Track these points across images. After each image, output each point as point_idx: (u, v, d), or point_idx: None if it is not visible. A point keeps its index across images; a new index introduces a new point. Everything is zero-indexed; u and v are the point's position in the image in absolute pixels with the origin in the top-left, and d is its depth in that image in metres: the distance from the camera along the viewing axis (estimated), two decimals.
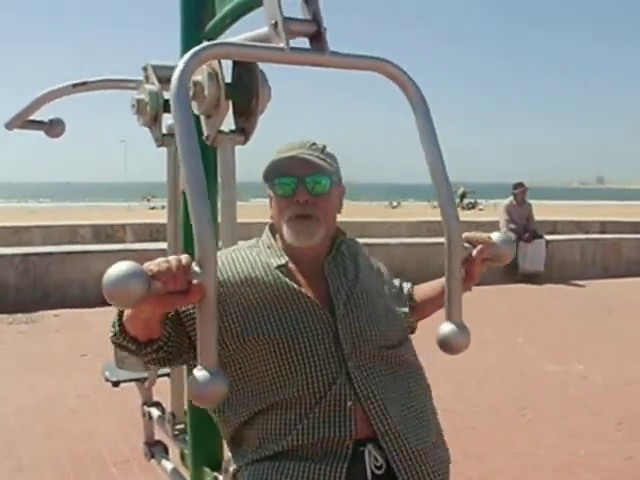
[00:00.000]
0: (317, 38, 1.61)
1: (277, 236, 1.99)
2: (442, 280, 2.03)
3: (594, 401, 5.49)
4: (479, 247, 1.84)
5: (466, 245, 1.83)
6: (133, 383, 3.40)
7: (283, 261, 1.91)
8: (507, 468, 4.19)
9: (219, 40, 2.12)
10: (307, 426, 1.78)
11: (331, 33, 1.58)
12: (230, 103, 2.33)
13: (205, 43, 1.53)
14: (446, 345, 1.70)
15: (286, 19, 1.57)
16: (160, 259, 1.41)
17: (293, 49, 1.55)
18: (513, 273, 11.47)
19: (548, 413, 5.20)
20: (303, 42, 1.65)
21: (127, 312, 1.64)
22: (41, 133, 3.23)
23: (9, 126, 3.16)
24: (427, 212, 25.81)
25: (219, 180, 2.43)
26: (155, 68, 2.69)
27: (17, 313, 8.37)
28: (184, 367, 2.72)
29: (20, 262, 9.07)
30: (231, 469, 1.95)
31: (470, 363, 6.20)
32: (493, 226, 14.13)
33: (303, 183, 1.87)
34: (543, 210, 18.70)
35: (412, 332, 2.18)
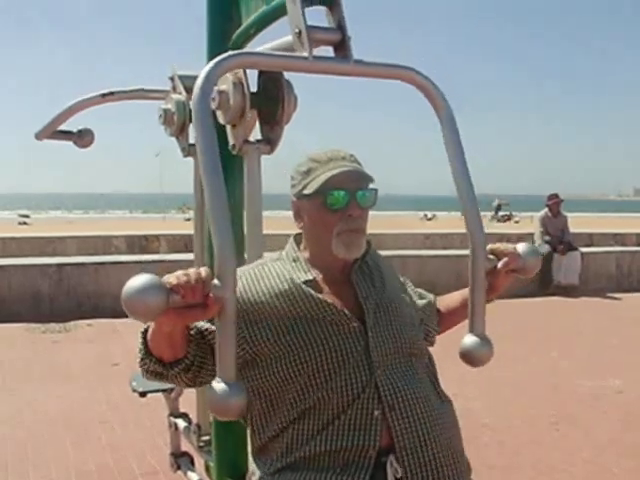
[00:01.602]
0: (341, 47, 1.60)
1: (301, 247, 1.98)
2: (465, 291, 2.02)
3: (630, 417, 5.38)
4: (504, 260, 1.83)
5: (491, 257, 1.82)
6: (160, 394, 3.40)
7: (310, 276, 1.90)
8: None
9: (244, 50, 2.12)
10: (332, 432, 1.77)
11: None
12: (255, 112, 2.32)
13: (228, 53, 1.51)
14: (468, 357, 1.70)
15: (310, 27, 1.55)
16: (179, 272, 1.41)
17: (317, 58, 1.54)
18: (548, 286, 11.33)
19: (582, 428, 5.10)
20: (327, 50, 1.64)
21: (150, 331, 1.67)
22: (70, 143, 3.26)
23: (39, 136, 3.18)
24: (461, 224, 25.71)
25: (245, 190, 2.41)
26: (182, 78, 2.70)
27: (51, 322, 8.44)
28: None
29: (54, 272, 9.16)
30: (254, 479, 1.93)
31: (503, 376, 6.13)
32: (526, 239, 14.00)
33: (354, 197, 1.86)
34: (579, 222, 18.51)
35: (432, 345, 2.18)
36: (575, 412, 5.47)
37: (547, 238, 11.88)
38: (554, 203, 12.21)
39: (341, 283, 1.93)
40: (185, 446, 3.33)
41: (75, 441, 4.67)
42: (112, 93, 2.98)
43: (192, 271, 1.40)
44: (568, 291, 11.45)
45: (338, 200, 1.84)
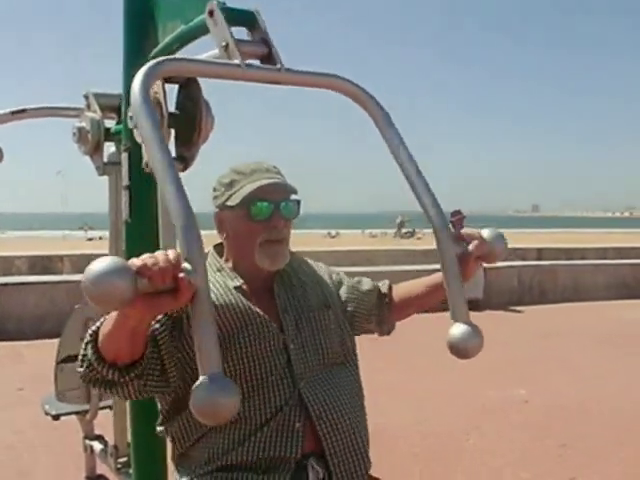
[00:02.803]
0: (269, 59, 1.62)
1: (223, 258, 2.00)
2: (425, 279, 2.07)
3: (536, 425, 5.57)
4: (474, 242, 1.70)
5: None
6: (73, 417, 3.33)
7: (238, 283, 1.91)
8: None
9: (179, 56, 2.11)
10: (254, 444, 1.79)
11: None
12: (172, 131, 2.32)
13: (163, 57, 1.50)
14: (458, 349, 1.58)
15: (237, 41, 1.57)
16: (145, 254, 1.26)
17: (249, 66, 1.55)
18: None
19: (491, 437, 5.25)
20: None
21: (106, 331, 1.52)
22: None
23: None
24: (366, 241, 26.11)
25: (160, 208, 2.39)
26: (96, 96, 2.67)
27: None
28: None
29: None
30: None
31: (411, 390, 6.25)
32: (432, 254, 14.21)
33: (278, 208, 1.89)
34: None
35: (388, 333, 2.19)
36: (484, 422, 5.62)
37: None
38: (457, 219, 12.49)
39: (263, 294, 1.94)
40: (100, 469, 3.27)
41: None
42: (23, 110, 2.92)
43: (159, 252, 1.26)
44: (472, 305, 11.59)
45: (262, 211, 1.87)
